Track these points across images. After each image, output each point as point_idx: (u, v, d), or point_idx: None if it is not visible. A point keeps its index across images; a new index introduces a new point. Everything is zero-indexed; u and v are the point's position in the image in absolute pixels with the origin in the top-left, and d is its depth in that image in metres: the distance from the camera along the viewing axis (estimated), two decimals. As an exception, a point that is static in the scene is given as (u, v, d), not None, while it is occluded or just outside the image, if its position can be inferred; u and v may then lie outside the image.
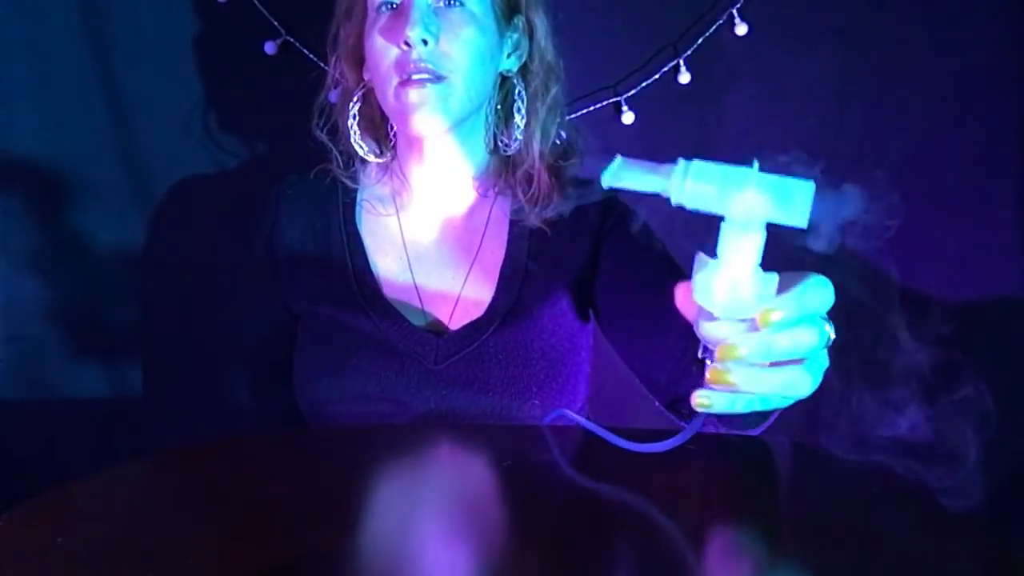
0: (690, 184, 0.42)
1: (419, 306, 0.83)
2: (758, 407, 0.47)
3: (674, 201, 0.43)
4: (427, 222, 0.87)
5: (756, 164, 0.42)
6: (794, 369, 0.45)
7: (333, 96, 0.88)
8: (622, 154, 0.46)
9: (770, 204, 0.42)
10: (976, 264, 1.17)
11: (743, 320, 0.44)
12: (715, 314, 0.44)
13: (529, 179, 0.83)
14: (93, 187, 1.10)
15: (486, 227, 0.86)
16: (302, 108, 0.87)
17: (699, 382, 0.46)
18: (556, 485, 0.57)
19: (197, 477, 0.57)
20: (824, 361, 0.48)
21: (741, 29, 1.08)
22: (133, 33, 1.08)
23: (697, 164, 0.43)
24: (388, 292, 0.83)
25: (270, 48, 1.08)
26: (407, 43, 0.73)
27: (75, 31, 1.07)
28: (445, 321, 0.82)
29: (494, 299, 0.82)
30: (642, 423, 0.68)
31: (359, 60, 0.83)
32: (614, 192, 0.46)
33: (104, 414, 1.14)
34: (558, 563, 0.44)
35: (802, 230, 0.42)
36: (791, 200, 0.41)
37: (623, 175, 0.45)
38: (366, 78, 0.83)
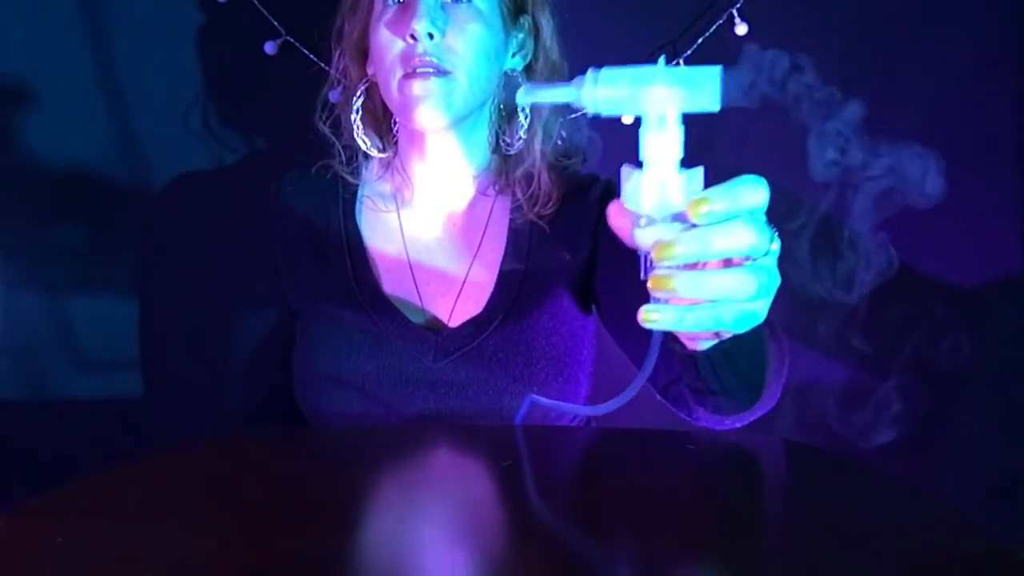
0: (601, 90, 0.44)
1: (418, 304, 0.83)
2: (709, 325, 0.45)
3: (589, 110, 0.44)
4: (428, 219, 0.87)
5: (662, 59, 0.44)
6: (737, 270, 0.44)
7: (335, 95, 0.88)
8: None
9: (680, 94, 0.43)
10: (976, 261, 1.17)
11: (677, 220, 0.44)
12: (646, 214, 0.45)
13: (529, 178, 0.84)
14: (93, 186, 1.10)
15: (486, 225, 0.86)
16: (302, 107, 0.87)
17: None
18: (556, 485, 0.57)
19: (197, 477, 0.57)
20: (773, 270, 0.46)
21: (741, 29, 1.08)
22: (133, 33, 1.08)
23: (605, 71, 0.44)
24: (387, 289, 0.83)
25: (270, 48, 1.08)
26: (413, 36, 0.73)
27: (75, 30, 1.07)
28: (444, 319, 0.82)
29: (493, 297, 0.82)
30: (643, 422, 0.68)
31: (363, 54, 0.83)
32: (613, 184, 0.46)
33: (104, 414, 1.14)
34: (558, 563, 0.44)
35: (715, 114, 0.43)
36: (700, 87, 0.43)
37: (536, 91, 0.47)
38: (370, 72, 0.83)
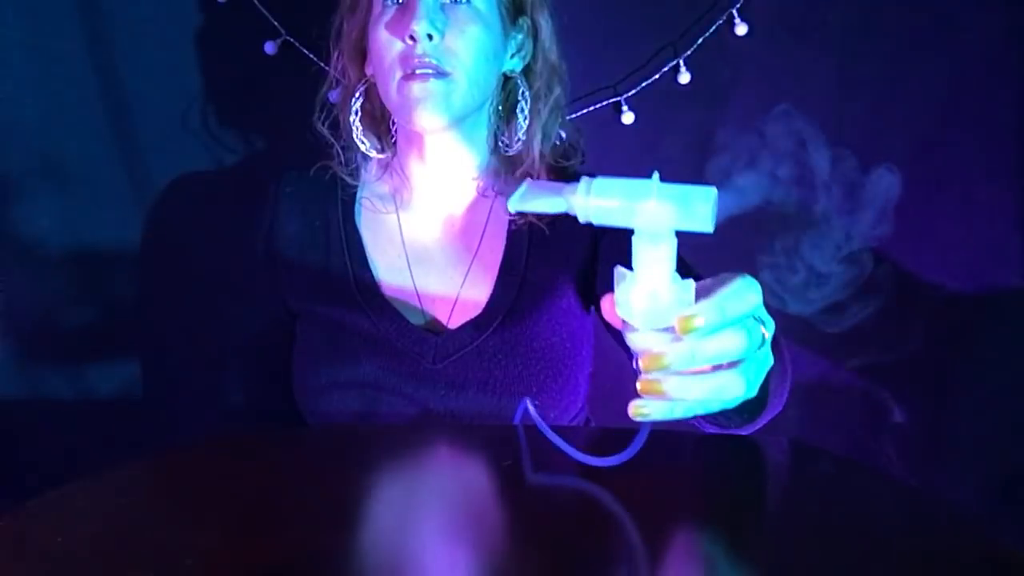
0: (593, 201, 0.43)
1: (418, 305, 0.83)
2: (699, 411, 0.46)
3: (581, 219, 0.44)
4: (427, 221, 0.87)
5: (656, 175, 0.43)
6: (725, 373, 0.45)
7: (334, 96, 0.88)
8: (591, 175, 0.46)
9: (673, 212, 0.42)
10: (976, 262, 1.17)
11: (666, 330, 0.44)
12: (636, 326, 0.45)
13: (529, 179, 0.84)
14: (93, 186, 1.10)
15: (486, 226, 0.86)
16: (302, 107, 0.87)
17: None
18: (556, 485, 0.57)
19: (197, 477, 0.57)
20: (763, 360, 0.47)
21: (741, 29, 1.08)
22: (133, 33, 1.08)
23: (599, 181, 0.44)
24: (387, 291, 0.83)
25: (270, 48, 1.08)
26: (412, 37, 0.73)
27: (75, 30, 1.07)
28: (444, 320, 0.82)
29: (492, 298, 0.82)
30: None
31: (362, 55, 0.83)
32: None
33: (104, 414, 1.14)
34: (558, 563, 0.44)
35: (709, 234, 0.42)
36: (693, 206, 0.42)
37: (528, 199, 0.46)
38: (368, 73, 0.83)
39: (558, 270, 0.84)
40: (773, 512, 0.55)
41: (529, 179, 0.47)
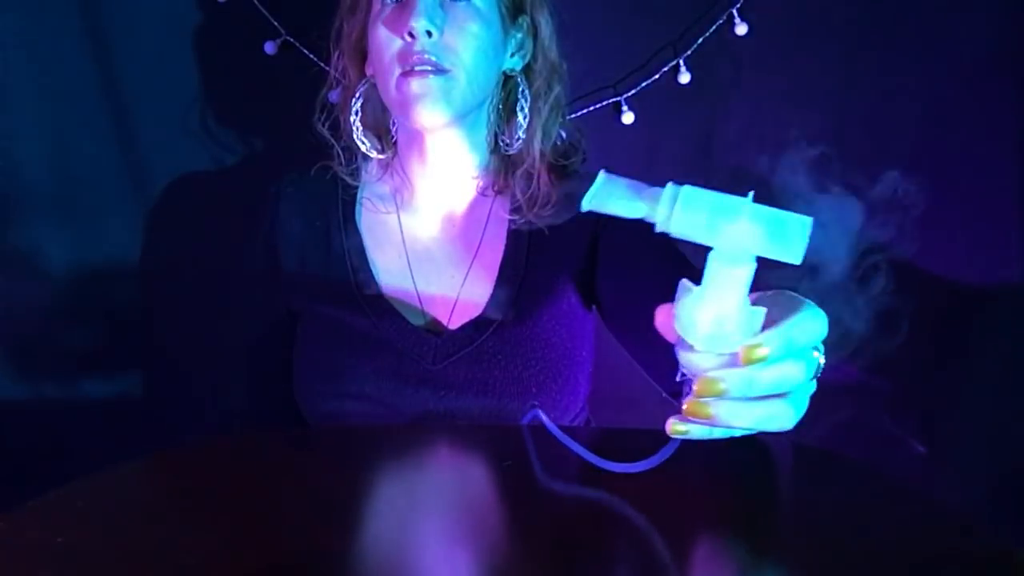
0: (678, 213, 0.40)
1: (418, 305, 0.83)
2: (736, 434, 0.45)
3: (659, 227, 0.41)
4: (427, 221, 0.87)
5: (751, 195, 0.40)
6: (776, 403, 0.43)
7: (334, 96, 0.88)
8: (607, 169, 0.43)
9: (763, 238, 0.39)
10: (976, 261, 1.17)
11: (725, 353, 0.42)
12: (696, 347, 0.42)
13: (529, 179, 0.84)
14: (93, 186, 1.10)
15: (486, 226, 0.86)
16: (302, 107, 0.87)
17: (679, 406, 0.44)
18: (556, 485, 0.57)
19: (197, 477, 0.57)
20: (811, 389, 0.46)
21: (741, 29, 1.08)
22: (133, 33, 1.08)
23: (687, 191, 0.40)
24: (387, 291, 0.83)
25: (270, 48, 1.08)
26: (411, 34, 0.73)
27: (75, 30, 1.07)
28: (444, 321, 0.82)
29: (492, 299, 0.82)
30: (643, 423, 0.68)
31: (362, 55, 0.83)
32: None
33: (104, 414, 1.14)
34: (558, 563, 0.44)
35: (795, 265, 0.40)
36: (786, 235, 0.39)
37: (606, 199, 0.43)
38: (368, 73, 0.83)
39: (558, 270, 0.84)
40: (776, 513, 0.55)
41: (605, 172, 0.44)
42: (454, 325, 0.81)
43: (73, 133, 1.09)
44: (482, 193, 0.87)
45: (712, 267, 0.41)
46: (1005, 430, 1.17)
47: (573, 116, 1.09)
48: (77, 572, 0.43)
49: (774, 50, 1.10)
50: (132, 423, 1.13)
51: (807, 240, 0.39)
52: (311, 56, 1.06)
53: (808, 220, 0.40)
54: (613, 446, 0.64)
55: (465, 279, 0.84)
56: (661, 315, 0.45)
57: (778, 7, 1.09)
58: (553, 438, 0.59)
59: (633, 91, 1.11)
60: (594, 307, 0.87)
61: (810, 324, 0.43)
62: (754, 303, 0.42)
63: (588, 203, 0.43)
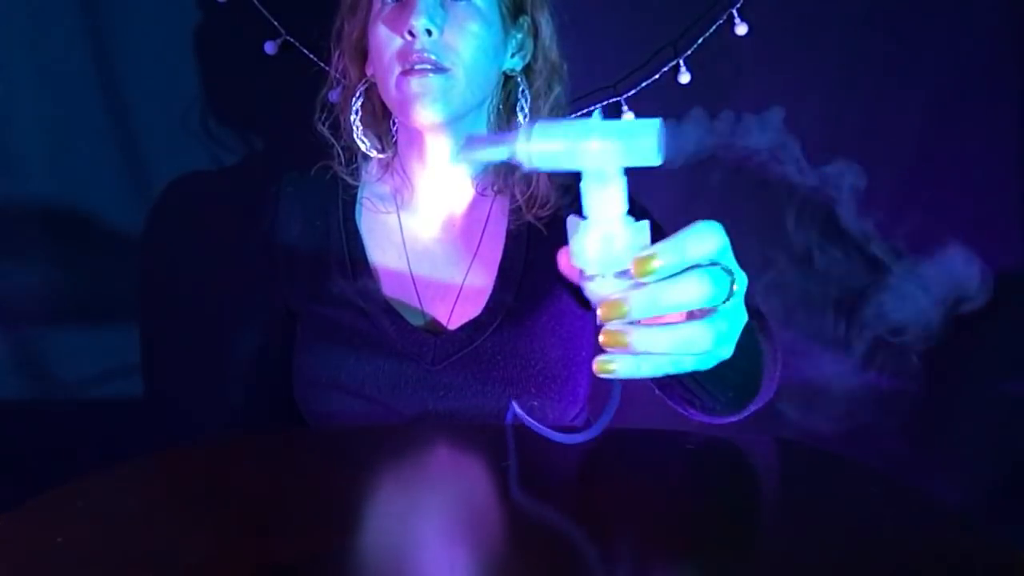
0: (536, 145, 0.42)
1: (418, 306, 0.83)
2: (670, 369, 0.44)
3: (526, 165, 0.43)
4: (427, 221, 0.87)
5: (597, 112, 0.42)
6: (692, 324, 0.43)
7: (334, 96, 0.88)
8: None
9: (618, 148, 0.41)
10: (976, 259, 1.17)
11: (625, 275, 0.43)
12: (591, 272, 0.43)
13: (528, 179, 0.84)
14: (93, 186, 1.10)
15: (485, 226, 0.86)
16: (302, 107, 0.87)
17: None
18: (555, 485, 0.57)
19: (197, 477, 0.57)
20: (735, 315, 0.45)
21: (741, 29, 1.08)
22: (133, 33, 1.08)
23: (540, 125, 0.43)
24: (387, 291, 0.83)
25: (270, 48, 1.08)
26: (411, 33, 0.73)
27: (75, 30, 1.07)
28: (443, 321, 0.82)
29: (492, 299, 0.82)
30: (644, 423, 0.68)
31: (362, 54, 0.83)
32: None
33: (104, 414, 1.14)
34: (558, 563, 0.44)
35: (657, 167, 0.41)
36: (637, 140, 0.41)
37: (473, 149, 0.45)
38: (368, 73, 0.83)
39: (557, 270, 0.84)
40: (769, 513, 0.55)
41: (470, 134, 0.46)
42: (453, 325, 0.81)
43: (73, 133, 1.09)
44: (481, 193, 0.87)
45: (585, 191, 0.43)
46: (1005, 430, 1.17)
47: (573, 116, 1.09)
48: (77, 572, 0.43)
49: (774, 50, 1.10)
50: (132, 423, 1.13)
51: (659, 140, 0.41)
52: (311, 56, 1.06)
53: (655, 121, 0.41)
54: (613, 446, 0.64)
55: (465, 279, 0.84)
56: (563, 257, 0.46)
57: (778, 7, 1.09)
58: (550, 438, 0.59)
59: (633, 91, 1.11)
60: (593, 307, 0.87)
61: (704, 235, 0.42)
62: None
63: (456, 156, 0.46)
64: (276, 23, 1.07)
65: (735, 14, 1.08)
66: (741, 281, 0.45)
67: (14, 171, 1.09)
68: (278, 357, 0.87)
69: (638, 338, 0.42)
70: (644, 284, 0.42)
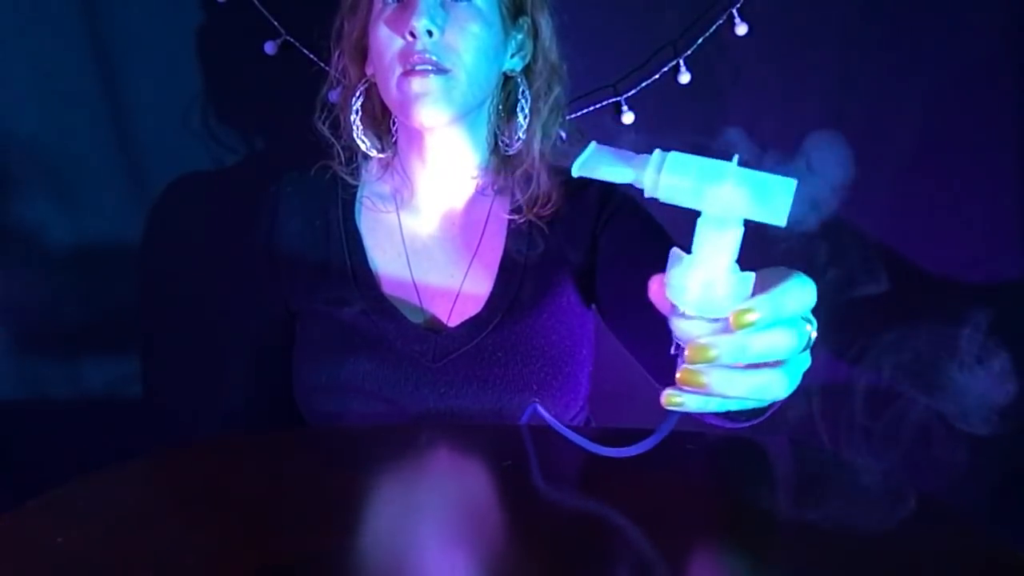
0: (664, 177, 0.41)
1: (418, 304, 0.83)
2: (733, 407, 0.45)
3: (647, 193, 0.42)
4: (427, 220, 0.87)
5: (736, 158, 0.41)
6: (769, 372, 0.43)
7: (334, 95, 0.88)
8: (598, 143, 0.44)
9: (748, 200, 0.40)
10: (976, 260, 1.17)
11: (717, 320, 0.42)
12: (687, 313, 0.43)
13: (528, 178, 0.84)
14: (93, 186, 1.10)
15: (485, 225, 0.86)
16: (302, 107, 0.87)
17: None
18: (556, 485, 0.57)
19: (197, 477, 0.57)
20: (804, 362, 0.46)
21: (741, 29, 1.08)
22: (133, 33, 1.08)
23: (673, 156, 0.41)
24: (387, 290, 0.83)
25: (270, 48, 1.08)
26: (412, 34, 0.73)
27: (75, 31, 1.07)
28: (444, 319, 0.82)
29: (492, 297, 0.82)
30: (643, 422, 0.68)
31: (362, 54, 0.83)
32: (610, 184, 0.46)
33: (104, 414, 1.14)
34: (558, 563, 0.44)
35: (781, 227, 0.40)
36: (770, 197, 0.40)
37: (595, 165, 0.43)
38: (368, 72, 0.83)
39: (557, 268, 0.84)
40: (775, 514, 0.55)
41: (596, 143, 0.45)
42: (454, 323, 0.81)
43: (73, 133, 1.09)
44: (482, 192, 0.87)
45: (701, 232, 0.42)
46: (1005, 429, 1.17)
47: (573, 116, 1.09)
48: (77, 572, 0.43)
49: (774, 50, 1.10)
50: (132, 423, 1.13)
51: (791, 201, 0.40)
52: (311, 56, 1.06)
53: (792, 182, 0.40)
54: (613, 446, 0.64)
55: (465, 278, 0.84)
56: (654, 285, 0.45)
57: (778, 7, 1.09)
58: (552, 436, 0.59)
59: (633, 91, 1.11)
60: (594, 305, 0.87)
61: (800, 292, 0.43)
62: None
63: (578, 168, 0.43)
64: (276, 23, 1.07)
65: (735, 14, 1.08)
66: (815, 328, 0.46)
67: (14, 171, 1.09)
68: (278, 357, 0.87)
69: (717, 380, 0.42)
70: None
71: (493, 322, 0.80)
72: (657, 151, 0.42)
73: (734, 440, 0.67)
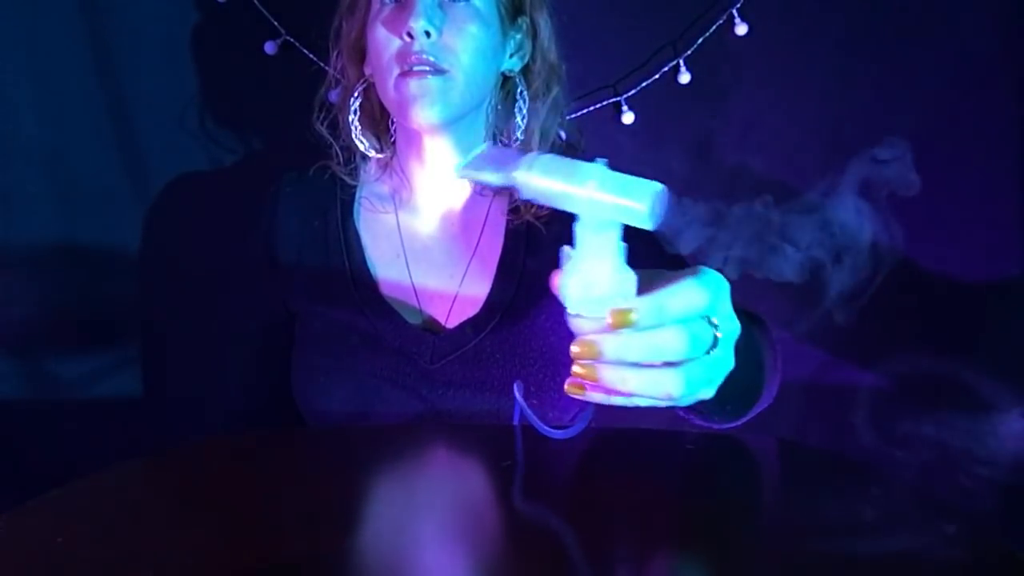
0: (535, 179, 0.42)
1: (416, 305, 0.83)
2: (640, 404, 0.45)
3: (522, 195, 0.42)
4: (425, 220, 0.87)
5: (603, 161, 0.41)
6: (662, 371, 0.43)
7: (333, 95, 0.88)
8: (543, 152, 0.45)
9: (610, 204, 0.40)
10: (977, 259, 1.17)
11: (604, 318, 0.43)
12: (569, 310, 0.44)
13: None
14: (93, 186, 1.10)
15: (484, 226, 0.86)
16: (302, 107, 0.87)
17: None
18: (555, 485, 0.57)
19: (197, 477, 0.57)
20: (715, 363, 0.46)
21: (741, 29, 1.08)
22: (133, 33, 1.08)
23: (544, 158, 0.42)
24: (385, 290, 0.83)
25: (270, 48, 1.08)
26: (410, 34, 0.73)
27: (75, 30, 1.07)
28: (442, 320, 0.82)
29: (490, 298, 0.82)
30: (643, 422, 0.68)
31: (361, 55, 0.83)
32: None
33: (104, 414, 1.14)
34: (556, 563, 0.44)
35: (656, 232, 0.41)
36: (631, 201, 0.40)
37: (478, 168, 0.44)
38: (367, 73, 0.83)
39: (556, 269, 0.83)
40: (767, 512, 0.55)
41: (489, 144, 0.45)
42: (452, 324, 0.81)
43: (73, 133, 1.09)
44: (480, 193, 0.87)
45: (578, 232, 0.43)
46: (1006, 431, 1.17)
47: (573, 116, 1.09)
48: (77, 572, 0.43)
49: (774, 50, 1.10)
50: (132, 423, 1.13)
51: (656, 205, 0.40)
52: (311, 56, 1.06)
53: (658, 186, 0.40)
54: (613, 446, 0.64)
55: (463, 278, 0.84)
56: (554, 279, 0.46)
57: (778, 7, 1.09)
58: (552, 437, 0.59)
59: (633, 91, 1.11)
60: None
61: (689, 293, 0.43)
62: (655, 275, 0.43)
63: (459, 171, 0.45)
64: (276, 23, 1.07)
65: (735, 14, 1.08)
66: (731, 330, 0.46)
67: (13, 170, 1.09)
68: (277, 357, 0.87)
69: (608, 376, 0.43)
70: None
71: (491, 323, 0.80)
72: (532, 153, 0.43)
73: (728, 440, 0.67)
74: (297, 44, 1.07)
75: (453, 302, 0.83)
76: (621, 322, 0.42)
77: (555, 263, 0.85)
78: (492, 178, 0.43)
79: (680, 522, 0.51)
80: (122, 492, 0.55)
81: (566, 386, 0.45)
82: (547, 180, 0.41)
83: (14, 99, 1.08)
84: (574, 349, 0.44)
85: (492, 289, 0.82)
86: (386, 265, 0.85)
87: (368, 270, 0.84)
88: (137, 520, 0.50)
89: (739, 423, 0.66)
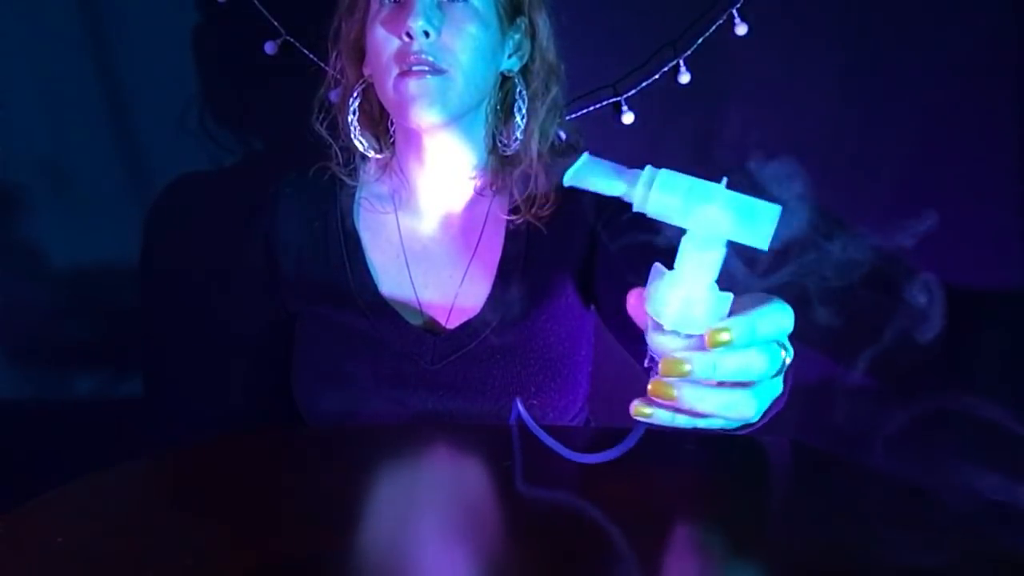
0: (654, 194, 0.42)
1: (416, 306, 0.83)
2: (700, 425, 0.46)
3: (636, 207, 0.43)
4: (425, 221, 0.87)
5: (724, 180, 0.42)
6: (739, 392, 0.44)
7: (333, 95, 0.88)
8: (591, 154, 0.45)
9: (733, 222, 0.41)
10: (976, 261, 1.17)
11: (692, 336, 0.43)
12: (665, 327, 0.44)
13: (526, 179, 0.84)
14: (93, 186, 1.10)
15: (484, 226, 0.86)
16: (302, 108, 0.87)
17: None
18: (556, 485, 0.57)
19: (197, 477, 0.57)
20: (776, 387, 0.47)
21: (741, 29, 1.08)
22: (133, 33, 1.08)
23: (664, 174, 0.42)
24: (385, 291, 0.83)
25: (270, 48, 1.08)
26: (409, 34, 0.73)
27: (75, 30, 1.07)
28: (442, 321, 0.82)
29: (491, 299, 0.82)
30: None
31: (360, 55, 0.83)
32: None
33: (104, 414, 1.14)
34: (558, 563, 0.44)
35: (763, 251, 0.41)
36: (755, 221, 0.41)
37: (586, 176, 0.44)
38: (366, 73, 0.83)
39: (556, 269, 0.84)
40: (772, 514, 0.55)
41: (588, 154, 0.46)
42: (452, 325, 0.81)
43: (73, 133, 1.09)
44: (480, 193, 0.87)
45: (684, 249, 0.43)
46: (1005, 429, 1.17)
47: (573, 116, 1.09)
48: (77, 572, 0.43)
49: (774, 50, 1.10)
50: (132, 423, 1.13)
51: (774, 227, 0.41)
52: (311, 56, 1.06)
53: (777, 208, 0.41)
54: (612, 446, 0.64)
55: (463, 279, 0.84)
56: (633, 298, 0.46)
57: (778, 7, 1.09)
58: (549, 433, 0.59)
59: (633, 91, 1.11)
60: (592, 306, 0.87)
61: (776, 317, 0.44)
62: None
63: (569, 178, 0.45)
64: (276, 23, 1.07)
65: (735, 14, 1.08)
66: (790, 355, 0.47)
67: (13, 171, 1.09)
68: (278, 357, 0.87)
69: (687, 394, 0.43)
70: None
71: (491, 324, 0.80)
72: (648, 167, 0.43)
73: (734, 440, 0.67)
74: (297, 44, 1.07)
75: (453, 303, 0.83)
76: (716, 341, 0.42)
77: (555, 263, 0.86)
78: (605, 187, 0.44)
79: (683, 522, 0.51)
80: (122, 492, 0.55)
81: (632, 409, 0.45)
82: (670, 196, 0.42)
83: (15, 100, 1.07)
84: (660, 366, 0.43)
85: (492, 290, 0.82)
86: (386, 266, 0.85)
87: (368, 271, 0.84)
88: (137, 520, 0.50)
89: (750, 431, 0.66)
